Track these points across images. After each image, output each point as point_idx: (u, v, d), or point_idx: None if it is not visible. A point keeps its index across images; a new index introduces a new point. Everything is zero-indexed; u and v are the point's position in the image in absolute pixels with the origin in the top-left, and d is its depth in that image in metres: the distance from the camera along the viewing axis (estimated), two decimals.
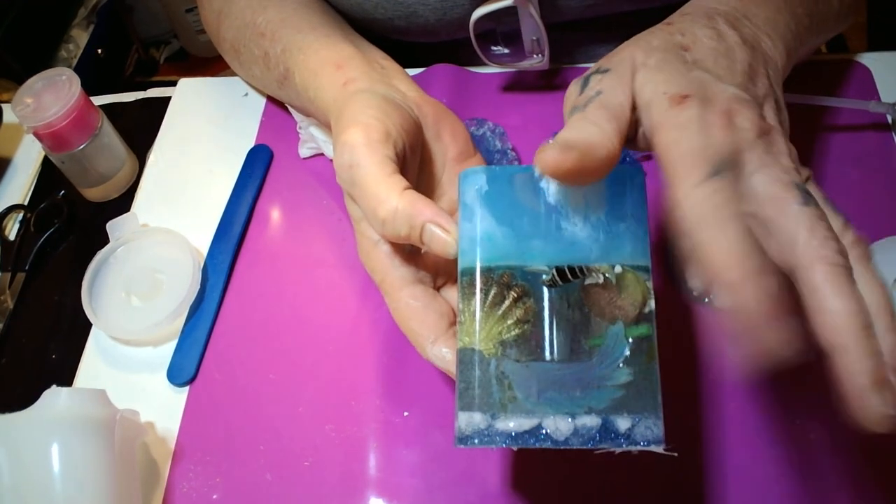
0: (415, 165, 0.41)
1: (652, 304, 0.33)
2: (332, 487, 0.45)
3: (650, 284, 0.33)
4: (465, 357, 0.33)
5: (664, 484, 0.43)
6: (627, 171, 0.34)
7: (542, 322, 0.33)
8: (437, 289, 0.40)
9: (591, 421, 0.31)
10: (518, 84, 0.61)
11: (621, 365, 0.32)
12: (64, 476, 0.39)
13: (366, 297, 0.52)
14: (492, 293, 0.33)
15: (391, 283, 0.38)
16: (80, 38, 1.41)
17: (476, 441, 0.31)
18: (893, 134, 0.55)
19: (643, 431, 0.31)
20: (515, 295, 0.33)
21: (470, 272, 0.34)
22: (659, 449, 0.31)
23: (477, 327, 0.33)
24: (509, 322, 0.33)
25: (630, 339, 0.32)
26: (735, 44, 0.36)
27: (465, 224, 0.34)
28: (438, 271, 0.40)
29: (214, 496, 0.45)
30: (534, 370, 0.32)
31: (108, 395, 0.43)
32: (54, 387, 0.41)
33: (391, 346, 0.49)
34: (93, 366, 0.52)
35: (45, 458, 0.39)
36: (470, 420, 0.32)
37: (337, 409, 0.47)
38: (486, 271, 0.33)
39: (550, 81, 0.60)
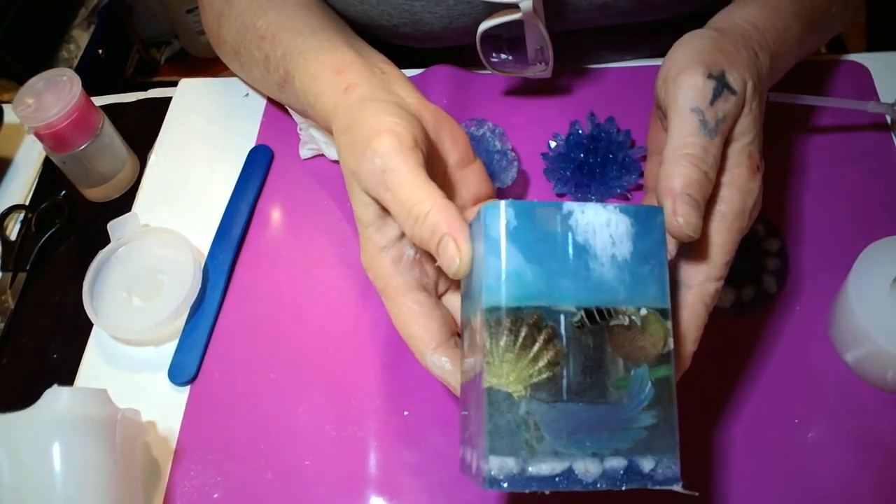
0: (430, 170, 0.41)
1: (671, 344, 0.33)
2: (332, 487, 0.45)
3: (670, 325, 0.33)
4: (495, 398, 0.32)
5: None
6: (650, 211, 0.35)
7: (571, 364, 0.33)
8: (440, 296, 0.41)
9: (617, 462, 0.32)
10: (518, 85, 0.61)
11: (646, 406, 0.33)
12: (65, 476, 0.39)
13: (366, 298, 0.52)
14: (522, 334, 0.32)
15: (394, 289, 0.38)
16: (80, 38, 1.41)
17: (506, 485, 0.31)
18: (892, 134, 0.55)
19: (664, 471, 0.32)
20: (546, 337, 0.33)
21: (497, 310, 0.33)
22: (678, 488, 0.32)
23: (506, 369, 0.32)
24: (540, 364, 0.32)
25: (653, 381, 0.33)
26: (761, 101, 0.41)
27: (490, 258, 0.33)
28: (441, 279, 0.40)
29: (215, 495, 0.45)
30: (563, 412, 0.32)
31: (110, 394, 0.43)
32: (55, 386, 0.41)
33: (391, 347, 0.49)
34: (94, 365, 0.52)
35: (45, 457, 0.39)
36: (502, 465, 0.31)
37: (337, 409, 0.47)
38: (515, 310, 0.33)
39: (550, 83, 0.60)
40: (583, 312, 0.33)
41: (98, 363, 0.52)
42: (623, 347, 0.33)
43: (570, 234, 0.34)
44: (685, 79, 0.37)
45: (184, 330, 0.51)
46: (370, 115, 0.39)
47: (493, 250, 0.33)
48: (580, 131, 0.55)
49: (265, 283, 0.54)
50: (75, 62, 1.37)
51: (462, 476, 0.44)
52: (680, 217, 0.34)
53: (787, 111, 0.54)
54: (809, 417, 0.44)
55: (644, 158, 0.55)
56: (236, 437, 0.47)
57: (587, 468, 0.32)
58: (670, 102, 0.37)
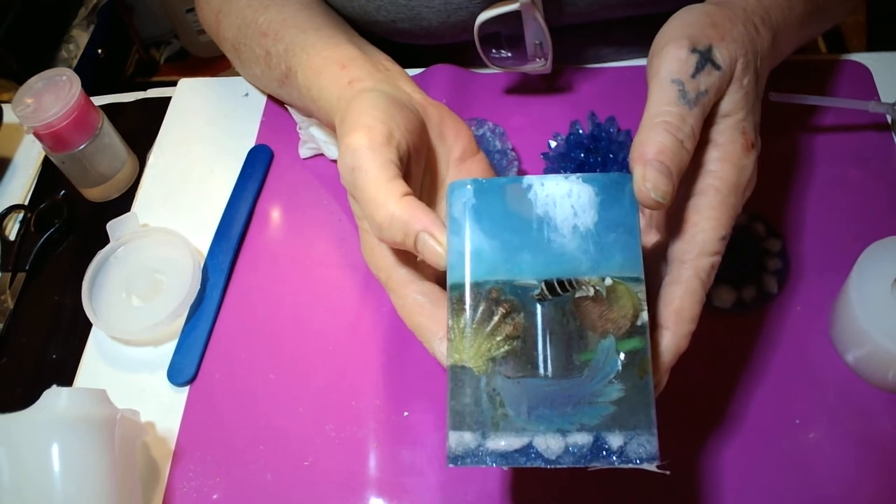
0: (420, 166, 0.40)
1: (645, 316, 0.32)
2: (332, 487, 0.45)
3: (643, 296, 0.32)
4: (455, 375, 0.32)
5: (663, 480, 0.43)
6: (617, 179, 0.34)
7: (533, 337, 0.32)
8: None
9: (582, 439, 0.31)
10: (518, 84, 0.61)
11: (613, 380, 0.31)
12: (64, 476, 0.39)
13: (366, 297, 0.52)
14: (480, 309, 0.33)
15: (397, 280, 0.38)
16: (80, 38, 1.41)
17: (468, 461, 0.31)
18: (893, 134, 0.55)
19: (636, 448, 0.30)
20: (504, 311, 0.33)
21: (459, 287, 0.33)
22: (651, 466, 0.30)
23: (466, 344, 0.32)
24: (498, 338, 0.32)
25: (622, 354, 0.32)
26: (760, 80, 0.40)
27: (453, 238, 0.34)
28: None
29: (214, 496, 0.45)
30: (525, 387, 0.32)
31: (109, 394, 0.43)
32: (54, 387, 0.41)
33: (391, 347, 0.49)
34: (93, 366, 0.52)
35: (45, 458, 0.39)
36: (460, 440, 0.31)
37: (337, 409, 0.47)
38: (475, 286, 0.33)
39: (551, 82, 0.60)
40: (543, 285, 0.33)
41: (97, 363, 0.52)
42: (590, 319, 0.32)
43: (531, 208, 0.34)
44: (669, 50, 0.36)
45: (183, 330, 0.51)
46: (355, 109, 0.39)
47: (456, 229, 0.34)
48: (580, 131, 0.55)
49: (265, 283, 0.53)
50: (75, 62, 1.37)
51: (462, 476, 0.45)
52: (648, 183, 0.33)
53: (788, 111, 0.54)
54: (810, 417, 0.44)
55: None
56: (236, 438, 0.47)
57: (548, 444, 0.31)
58: (652, 74, 0.37)
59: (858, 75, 0.59)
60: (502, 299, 0.33)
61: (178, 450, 0.47)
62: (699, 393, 0.45)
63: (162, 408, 0.49)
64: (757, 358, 0.47)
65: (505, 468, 0.31)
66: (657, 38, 0.38)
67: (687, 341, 0.35)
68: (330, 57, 0.46)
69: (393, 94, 0.41)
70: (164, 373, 0.50)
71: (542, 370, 0.32)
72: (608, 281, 0.32)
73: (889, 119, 0.56)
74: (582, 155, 0.54)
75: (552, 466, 0.31)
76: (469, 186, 0.34)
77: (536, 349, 0.32)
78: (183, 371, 0.50)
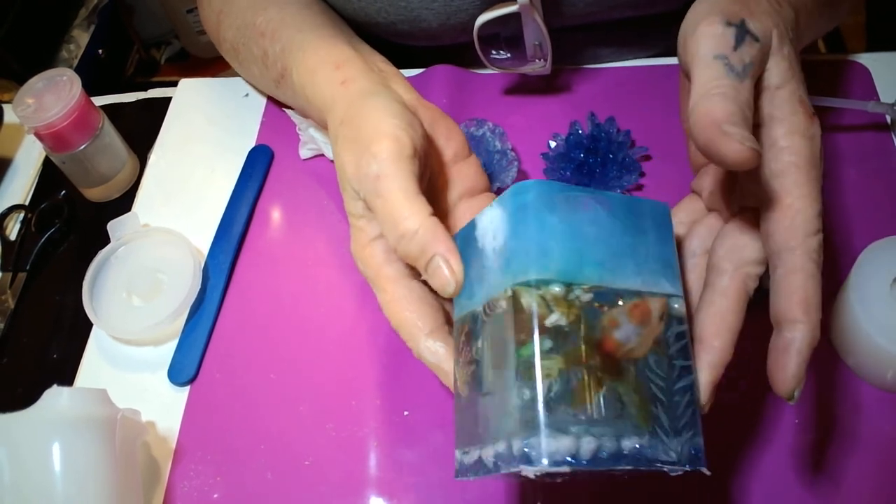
0: (427, 172, 0.41)
1: (534, 322, 0.31)
2: (332, 487, 0.45)
3: (537, 296, 0.31)
4: (455, 399, 0.35)
5: (662, 480, 0.43)
6: (515, 189, 0.34)
7: (484, 360, 0.33)
8: None
9: (492, 450, 0.32)
10: (518, 85, 0.61)
11: (517, 389, 0.31)
12: (65, 476, 0.39)
13: (366, 298, 0.52)
14: (458, 339, 0.36)
15: (385, 277, 0.38)
16: (80, 38, 1.40)
17: (469, 475, 0.33)
18: (893, 134, 0.55)
19: (517, 453, 0.30)
20: (464, 339, 0.35)
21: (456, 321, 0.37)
22: (523, 468, 0.30)
23: (456, 372, 0.36)
24: (462, 363, 0.35)
25: (517, 362, 0.31)
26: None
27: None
28: None
29: (215, 495, 0.45)
30: (482, 405, 0.33)
31: (109, 394, 0.43)
32: (55, 386, 0.41)
33: (391, 346, 0.49)
34: (94, 365, 0.52)
35: (45, 457, 0.39)
36: (461, 457, 0.34)
37: (337, 409, 0.47)
38: (457, 320, 0.36)
39: (551, 83, 0.61)
40: (481, 310, 0.34)
41: (98, 363, 0.52)
42: (511, 332, 0.32)
43: (476, 241, 0.36)
44: (703, 29, 0.35)
45: (183, 330, 0.51)
46: (373, 111, 0.39)
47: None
48: (580, 131, 0.55)
49: (265, 282, 0.54)
50: (75, 62, 1.37)
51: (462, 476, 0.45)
52: (736, 143, 0.30)
53: None
54: (810, 418, 0.44)
55: (644, 158, 0.55)
56: (236, 437, 0.47)
57: (468, 459, 0.33)
58: (692, 56, 0.35)
59: (858, 75, 0.59)
60: (465, 329, 0.35)
61: (178, 449, 0.47)
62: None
63: (162, 407, 0.49)
64: (757, 358, 0.47)
65: (472, 480, 0.34)
66: (685, 22, 0.37)
67: (819, 333, 0.33)
68: (325, 56, 0.46)
69: (394, 96, 0.41)
70: (164, 372, 0.50)
71: (490, 389, 0.33)
72: (509, 291, 0.32)
73: (889, 119, 0.56)
74: (581, 155, 0.54)
75: (487, 476, 0.32)
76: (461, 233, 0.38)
77: (487, 370, 0.33)
78: (183, 371, 0.50)
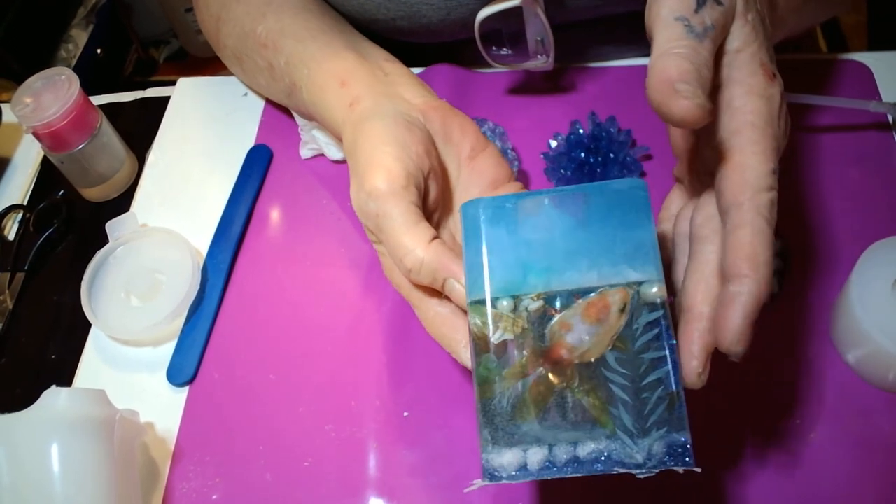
0: (437, 182, 0.41)
1: (498, 335, 0.33)
2: (332, 487, 0.44)
3: (493, 313, 0.33)
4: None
5: (660, 480, 0.42)
6: (464, 207, 0.36)
7: None
8: None
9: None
10: (519, 84, 0.61)
11: (477, 407, 0.33)
12: (63, 476, 0.39)
13: (366, 297, 0.51)
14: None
15: (417, 298, 0.39)
16: (79, 37, 1.40)
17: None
18: (894, 134, 0.55)
19: (485, 465, 0.32)
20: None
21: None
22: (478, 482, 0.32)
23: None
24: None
25: (475, 381, 0.33)
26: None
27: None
28: None
29: (214, 496, 0.45)
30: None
31: (108, 395, 0.43)
32: (54, 387, 0.41)
33: (391, 347, 0.49)
34: (92, 366, 0.52)
35: (44, 458, 0.39)
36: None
37: (337, 409, 0.47)
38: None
39: (551, 82, 0.60)
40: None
41: (96, 364, 0.52)
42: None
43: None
44: None
45: (182, 330, 0.51)
46: (367, 140, 0.40)
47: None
48: (581, 130, 0.55)
49: (264, 283, 0.53)
50: (74, 61, 1.37)
51: (462, 476, 0.44)
52: (683, 100, 0.30)
53: (789, 110, 0.54)
54: (811, 418, 0.44)
55: (645, 158, 0.55)
56: (235, 438, 0.47)
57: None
58: (654, 18, 0.34)
59: (859, 75, 0.59)
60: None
61: (177, 450, 0.47)
62: (698, 393, 0.45)
63: (161, 408, 0.49)
64: (757, 358, 0.47)
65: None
66: None
67: (768, 289, 0.32)
68: (330, 70, 0.46)
69: (395, 115, 0.41)
70: (163, 373, 0.50)
71: None
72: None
73: (890, 119, 0.56)
74: (582, 154, 0.54)
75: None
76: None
77: None
78: (182, 371, 0.50)
